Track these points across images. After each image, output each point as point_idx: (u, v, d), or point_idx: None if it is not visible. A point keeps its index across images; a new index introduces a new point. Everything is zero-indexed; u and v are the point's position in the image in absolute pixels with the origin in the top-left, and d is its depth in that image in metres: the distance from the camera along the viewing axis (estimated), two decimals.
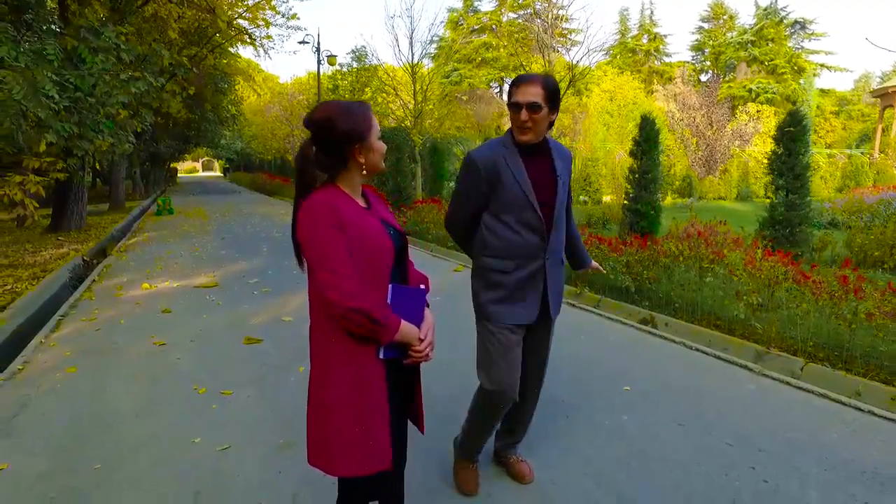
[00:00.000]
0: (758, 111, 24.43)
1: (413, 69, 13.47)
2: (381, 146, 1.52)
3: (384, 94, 16.90)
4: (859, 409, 3.05)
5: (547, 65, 12.81)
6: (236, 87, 25.02)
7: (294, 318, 4.81)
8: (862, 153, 24.01)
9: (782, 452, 2.59)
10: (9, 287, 5.87)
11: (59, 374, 3.58)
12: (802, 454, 2.57)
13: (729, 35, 41.11)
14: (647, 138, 7.22)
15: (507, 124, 2.12)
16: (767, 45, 38.42)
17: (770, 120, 21.93)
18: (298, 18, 33.79)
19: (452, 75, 33.38)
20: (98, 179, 24.19)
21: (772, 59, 37.97)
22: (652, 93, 29.05)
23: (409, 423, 1.70)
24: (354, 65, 23.42)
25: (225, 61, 19.38)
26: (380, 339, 1.41)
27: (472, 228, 2.16)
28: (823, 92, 41.36)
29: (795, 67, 37.55)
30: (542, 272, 2.06)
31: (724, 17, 42.32)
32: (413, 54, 13.43)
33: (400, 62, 13.81)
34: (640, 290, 5.23)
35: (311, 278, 1.44)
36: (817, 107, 36.81)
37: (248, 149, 40.00)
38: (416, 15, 28.89)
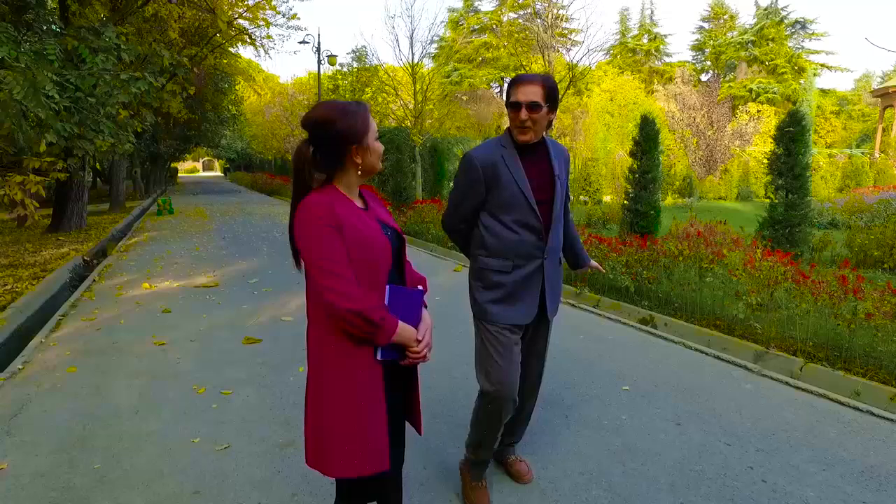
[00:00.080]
0: (758, 111, 24.41)
1: (413, 69, 13.48)
2: (379, 147, 1.51)
3: (384, 94, 16.93)
4: (858, 408, 3.05)
5: (547, 65, 12.82)
6: (237, 87, 25.05)
7: (294, 318, 4.81)
8: (862, 153, 24.02)
9: (780, 452, 2.59)
10: (9, 287, 5.88)
11: (59, 373, 3.58)
12: (800, 454, 2.58)
13: (729, 35, 41.07)
14: (647, 138, 7.22)
15: (507, 124, 2.11)
16: (768, 44, 38.39)
17: (770, 120, 21.91)
18: (299, 18, 33.84)
19: (453, 75, 33.37)
20: (98, 179, 24.19)
21: (772, 59, 37.94)
22: (652, 93, 29.00)
23: (408, 424, 1.70)
24: (355, 65, 23.46)
25: (225, 61, 19.37)
26: (377, 340, 1.40)
27: (469, 228, 2.15)
28: (824, 92, 41.31)
29: (796, 67, 37.52)
30: (541, 272, 2.06)
31: (725, 16, 42.29)
32: (413, 54, 13.46)
33: (400, 62, 13.84)
34: (639, 290, 5.23)
35: (308, 279, 1.44)
36: (818, 107, 36.74)
37: (249, 149, 40.07)
38: (416, 15, 28.96)
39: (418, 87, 13.50)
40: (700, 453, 2.58)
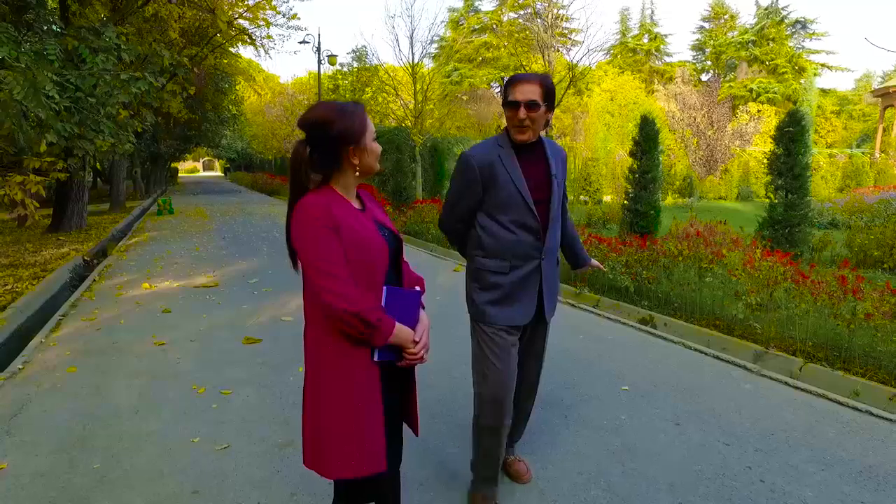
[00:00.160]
0: (758, 111, 24.39)
1: (413, 69, 13.47)
2: (376, 147, 1.51)
3: (385, 94, 16.93)
4: (857, 408, 3.05)
5: (547, 65, 12.83)
6: (237, 87, 25.05)
7: (293, 318, 4.82)
8: (863, 153, 23.99)
9: (779, 452, 2.59)
10: (9, 287, 5.89)
11: (59, 373, 3.59)
12: (799, 454, 2.58)
13: (730, 35, 41.03)
14: (647, 138, 7.22)
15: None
16: (768, 44, 38.36)
17: (771, 120, 21.89)
18: (299, 18, 33.78)
19: (453, 75, 33.32)
20: (99, 179, 24.20)
21: (773, 59, 37.90)
22: (652, 92, 28.97)
23: (405, 425, 1.70)
24: (355, 65, 23.45)
25: (225, 61, 19.38)
26: (373, 341, 1.40)
27: (466, 228, 2.15)
28: (824, 92, 41.26)
29: (796, 67, 37.47)
30: (538, 272, 2.05)
31: (725, 16, 42.24)
32: (413, 54, 13.44)
33: (400, 62, 13.83)
34: (639, 290, 5.23)
35: (305, 280, 1.44)
36: (818, 106, 36.73)
37: (249, 149, 40.07)
38: (416, 15, 28.95)
39: (418, 86, 13.50)
40: (699, 453, 2.58)
